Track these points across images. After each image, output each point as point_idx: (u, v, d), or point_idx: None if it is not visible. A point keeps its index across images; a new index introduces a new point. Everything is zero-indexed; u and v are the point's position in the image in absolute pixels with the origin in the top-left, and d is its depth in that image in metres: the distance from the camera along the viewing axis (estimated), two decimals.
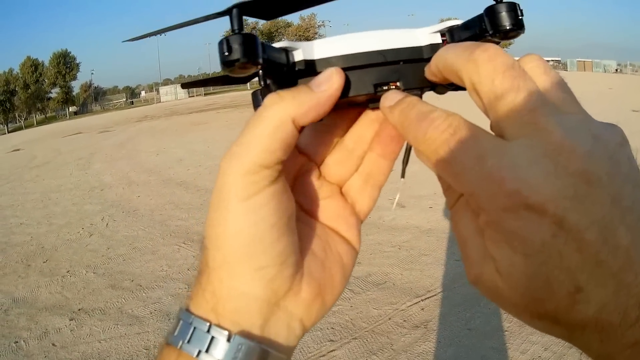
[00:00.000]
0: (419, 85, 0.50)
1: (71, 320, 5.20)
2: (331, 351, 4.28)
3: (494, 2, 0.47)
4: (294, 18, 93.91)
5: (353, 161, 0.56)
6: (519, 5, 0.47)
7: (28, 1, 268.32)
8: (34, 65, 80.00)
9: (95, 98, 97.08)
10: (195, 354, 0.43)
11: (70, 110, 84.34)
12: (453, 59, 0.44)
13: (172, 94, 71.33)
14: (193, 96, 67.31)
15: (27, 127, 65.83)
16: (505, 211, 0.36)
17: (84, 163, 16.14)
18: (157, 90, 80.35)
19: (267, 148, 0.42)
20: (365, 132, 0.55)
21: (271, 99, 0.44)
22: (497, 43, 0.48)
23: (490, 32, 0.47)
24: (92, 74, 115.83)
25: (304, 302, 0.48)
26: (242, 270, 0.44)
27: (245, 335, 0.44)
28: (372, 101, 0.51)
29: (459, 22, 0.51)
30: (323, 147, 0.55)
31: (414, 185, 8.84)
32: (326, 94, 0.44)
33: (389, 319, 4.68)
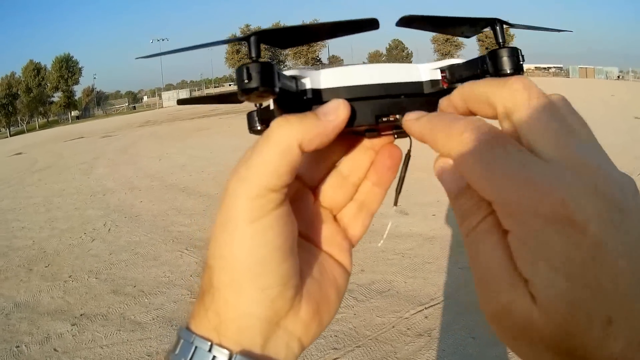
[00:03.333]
0: None
1: (73, 325, 5.20)
2: (335, 359, 4.29)
3: (498, 47, 0.50)
4: (297, 22, 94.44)
5: (348, 188, 0.58)
6: (520, 50, 0.49)
7: (30, 5, 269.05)
8: (37, 69, 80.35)
9: (97, 102, 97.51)
10: None
11: (72, 114, 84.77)
12: (485, 88, 0.44)
13: (174, 99, 71.66)
14: None
15: (29, 130, 66.13)
16: (547, 222, 0.35)
17: (87, 168, 16.17)
18: (160, 95, 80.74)
19: (275, 172, 0.43)
20: (362, 160, 0.57)
21: (279, 123, 0.45)
22: None
23: (492, 74, 0.49)
24: (95, 78, 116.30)
25: (303, 322, 0.49)
26: (248, 291, 0.45)
27: (246, 354, 0.45)
28: (370, 130, 0.54)
29: (460, 60, 0.54)
30: (318, 173, 0.57)
31: (417, 192, 8.83)
32: (333, 123, 0.46)
33: (393, 327, 4.67)
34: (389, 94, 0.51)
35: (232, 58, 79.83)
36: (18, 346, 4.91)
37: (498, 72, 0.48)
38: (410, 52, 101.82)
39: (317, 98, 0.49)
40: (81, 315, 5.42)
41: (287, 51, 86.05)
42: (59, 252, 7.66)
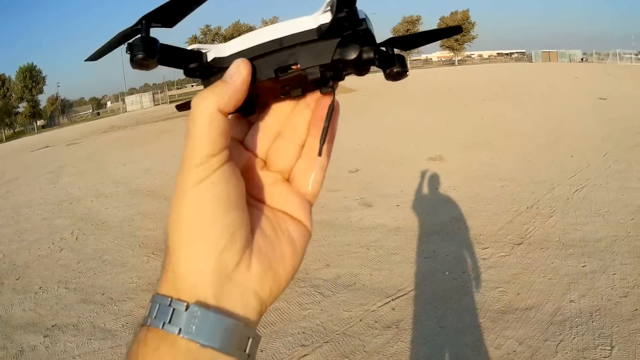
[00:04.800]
0: (315, 63, 0.54)
1: (45, 337, 5.18)
2: (303, 356, 4.31)
3: None
4: (256, 22, 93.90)
5: (293, 149, 0.63)
6: None
7: None
8: (1, 81, 79.22)
9: (62, 111, 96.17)
10: (161, 325, 0.49)
11: (38, 124, 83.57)
12: None
13: (137, 103, 71.03)
14: (159, 104, 67.20)
15: None
16: None
17: (53, 177, 16.04)
18: (123, 100, 79.83)
19: (209, 140, 0.50)
20: (299, 120, 0.62)
21: (196, 100, 0.51)
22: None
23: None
24: (59, 86, 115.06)
25: (256, 276, 0.53)
26: (196, 246, 0.50)
27: (201, 304, 0.50)
28: (294, 89, 0.59)
29: None
30: (263, 141, 0.62)
31: (380, 184, 8.88)
32: (238, 81, 0.52)
33: (360, 320, 4.71)
34: (284, 47, 0.55)
35: None
36: None
37: None
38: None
39: (222, 65, 0.56)
40: (53, 326, 5.40)
41: None
42: (28, 264, 7.61)
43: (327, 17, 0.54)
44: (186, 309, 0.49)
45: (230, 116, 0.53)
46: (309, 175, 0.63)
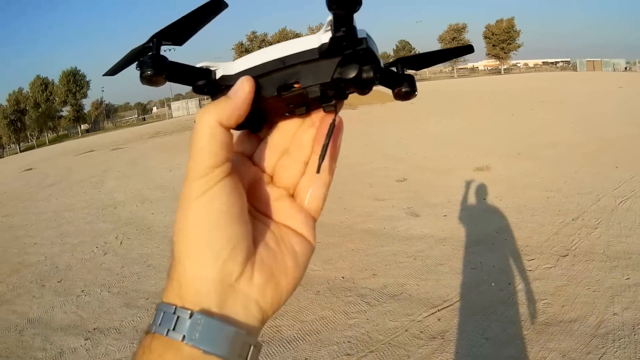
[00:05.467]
0: (316, 82, 0.56)
1: (86, 340, 5.21)
2: None
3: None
4: (302, 29, 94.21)
5: (298, 166, 0.64)
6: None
7: (36, 20, 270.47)
8: (44, 84, 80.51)
9: (106, 115, 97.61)
10: (165, 333, 0.51)
11: (82, 128, 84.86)
12: None
13: (183, 109, 71.86)
14: None
15: (39, 146, 66.34)
16: None
17: (97, 181, 16.25)
18: (169, 106, 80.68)
19: (211, 152, 0.52)
20: (304, 138, 0.63)
21: (199, 114, 0.54)
22: (344, 17, 0.52)
23: (331, 10, 0.50)
24: (103, 91, 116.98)
25: (258, 286, 0.55)
26: (200, 255, 0.52)
27: (204, 312, 0.51)
28: (298, 107, 0.60)
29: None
30: (270, 157, 0.64)
31: (427, 193, 8.82)
32: (241, 97, 0.54)
33: (406, 330, 4.67)
34: (287, 65, 0.57)
35: None
36: None
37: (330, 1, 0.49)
38: (417, 52, 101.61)
39: (229, 82, 0.58)
40: (94, 329, 5.43)
41: None
42: (71, 267, 7.69)
43: (328, 37, 0.56)
44: (190, 317, 0.51)
45: (239, 132, 0.59)
46: (314, 191, 0.64)
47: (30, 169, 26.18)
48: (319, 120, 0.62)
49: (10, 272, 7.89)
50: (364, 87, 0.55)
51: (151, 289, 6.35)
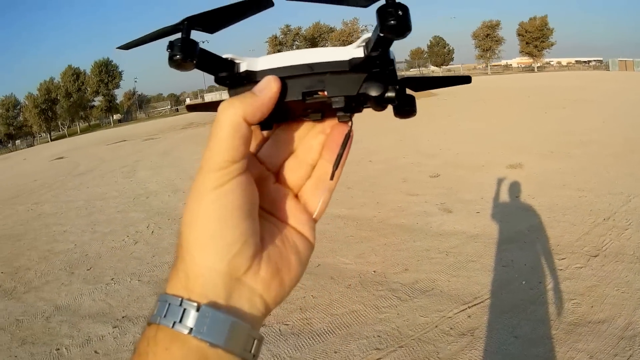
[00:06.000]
0: (341, 93, 0.57)
1: (114, 327, 5.26)
2: (377, 359, 4.26)
3: (383, 3, 0.51)
4: (337, 23, 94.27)
5: (304, 169, 0.65)
6: (407, 7, 0.50)
7: (67, 11, 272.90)
8: (76, 74, 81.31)
9: (139, 106, 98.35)
10: (171, 325, 0.51)
11: (114, 118, 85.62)
12: None
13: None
14: None
15: (70, 135, 67.10)
16: None
17: (129, 171, 16.40)
18: (202, 97, 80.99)
19: (232, 146, 0.52)
20: (313, 143, 0.65)
21: (224, 106, 0.53)
22: (390, 41, 0.53)
23: (380, 29, 0.50)
24: (136, 81, 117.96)
25: (263, 281, 0.56)
26: (211, 248, 0.52)
27: (212, 305, 0.52)
28: (314, 112, 0.61)
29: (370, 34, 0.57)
30: (277, 157, 0.65)
31: (460, 190, 8.79)
32: (267, 96, 0.54)
33: (436, 326, 4.67)
34: (315, 72, 0.58)
35: None
36: (58, 349, 5.00)
37: (384, 26, 0.50)
38: (451, 48, 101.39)
39: (253, 78, 0.58)
40: (123, 317, 5.48)
41: (329, 45, 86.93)
42: (100, 255, 7.78)
43: (359, 52, 0.57)
44: (197, 309, 0.51)
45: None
46: (317, 195, 0.66)
47: (61, 157, 26.51)
48: (329, 127, 0.64)
49: (39, 260, 8.00)
50: (382, 105, 0.58)
51: None
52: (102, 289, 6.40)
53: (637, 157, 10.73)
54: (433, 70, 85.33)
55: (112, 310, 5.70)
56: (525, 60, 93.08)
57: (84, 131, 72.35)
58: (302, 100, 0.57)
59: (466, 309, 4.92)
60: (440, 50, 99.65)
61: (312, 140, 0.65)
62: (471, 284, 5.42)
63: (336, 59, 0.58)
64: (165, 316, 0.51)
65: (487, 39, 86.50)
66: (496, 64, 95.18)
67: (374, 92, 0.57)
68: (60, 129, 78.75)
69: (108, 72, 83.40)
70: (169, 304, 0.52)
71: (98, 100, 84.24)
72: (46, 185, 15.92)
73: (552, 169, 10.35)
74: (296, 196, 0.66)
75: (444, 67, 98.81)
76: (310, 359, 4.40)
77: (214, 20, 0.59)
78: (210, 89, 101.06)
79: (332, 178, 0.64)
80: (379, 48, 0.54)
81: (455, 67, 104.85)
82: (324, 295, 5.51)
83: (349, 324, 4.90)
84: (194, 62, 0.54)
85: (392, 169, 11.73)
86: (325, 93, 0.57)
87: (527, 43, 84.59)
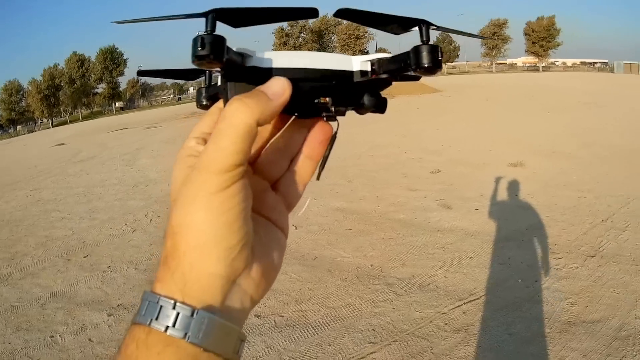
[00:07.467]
0: (345, 103, 0.60)
1: (109, 315, 5.27)
2: (371, 353, 4.28)
3: (421, 43, 0.55)
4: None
5: (283, 161, 0.65)
6: (440, 48, 0.55)
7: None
8: (80, 61, 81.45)
9: (142, 94, 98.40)
10: (164, 329, 0.49)
11: (116, 105, 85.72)
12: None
13: None
14: None
15: (72, 121, 67.25)
16: None
17: (130, 158, 16.43)
18: None
19: (241, 149, 0.49)
20: (297, 137, 0.64)
21: (237, 106, 0.51)
22: (418, 78, 0.60)
23: (413, 67, 0.54)
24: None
25: (254, 280, 0.56)
26: (213, 252, 0.50)
27: (208, 309, 0.50)
28: (302, 111, 0.61)
29: (388, 55, 0.59)
30: (256, 148, 0.65)
31: (460, 187, 8.80)
32: (280, 101, 0.53)
33: (431, 322, 4.68)
34: (322, 78, 0.58)
35: (280, 49, 79.69)
36: (52, 336, 5.00)
37: (419, 66, 0.54)
38: (457, 45, 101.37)
39: (261, 74, 0.56)
40: (118, 305, 5.49)
41: (334, 44, 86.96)
42: (98, 243, 7.78)
43: (367, 66, 0.60)
44: (192, 314, 0.49)
45: None
46: (294, 189, 0.65)
47: (62, 144, 26.53)
48: (312, 123, 0.64)
49: (36, 245, 8.01)
50: (366, 112, 0.63)
51: None
52: (99, 276, 6.40)
53: (638, 159, 10.74)
54: None
55: (108, 298, 5.71)
56: (531, 59, 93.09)
57: (86, 118, 72.47)
58: (307, 104, 0.58)
59: (461, 305, 4.92)
60: (446, 47, 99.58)
61: (294, 135, 0.64)
62: (467, 280, 5.43)
63: (343, 68, 0.59)
64: (157, 319, 0.49)
65: (494, 37, 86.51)
66: (501, 62, 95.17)
67: (372, 105, 0.61)
68: (62, 115, 78.83)
69: (113, 60, 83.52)
70: (161, 307, 0.50)
71: (102, 88, 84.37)
72: (46, 172, 15.93)
73: (553, 169, 10.38)
74: (272, 187, 0.65)
75: (449, 63, 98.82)
76: (305, 351, 4.40)
77: (245, 18, 0.57)
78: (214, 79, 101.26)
79: (318, 178, 0.66)
80: (396, 75, 0.58)
81: (460, 65, 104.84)
82: (320, 288, 5.51)
83: (344, 317, 4.91)
84: (223, 62, 0.51)
85: (393, 164, 11.75)
86: (328, 100, 0.58)
87: (533, 42, 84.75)
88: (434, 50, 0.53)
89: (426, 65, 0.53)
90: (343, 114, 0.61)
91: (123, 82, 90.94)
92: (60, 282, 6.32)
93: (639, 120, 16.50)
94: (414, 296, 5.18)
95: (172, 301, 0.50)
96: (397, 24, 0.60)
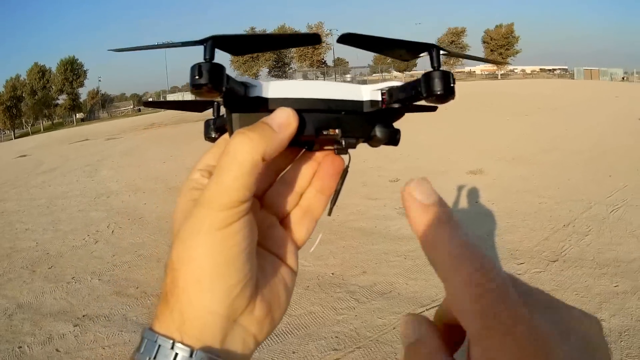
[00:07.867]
0: (355, 135, 0.57)
1: (75, 326, 5.22)
2: None
3: (431, 69, 0.53)
4: (302, 28, 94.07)
5: (293, 195, 0.62)
6: (452, 75, 0.53)
7: (34, 8, 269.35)
8: (42, 72, 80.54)
9: (102, 105, 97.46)
10: None
11: (77, 116, 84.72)
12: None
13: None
14: None
15: (34, 133, 66.16)
16: None
17: (91, 170, 16.23)
18: (165, 98, 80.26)
19: (246, 185, 0.47)
20: (306, 171, 0.62)
21: (241, 140, 0.49)
22: (435, 109, 0.60)
23: (425, 95, 0.52)
24: (100, 81, 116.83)
25: (257, 320, 0.54)
26: (212, 290, 0.49)
27: (207, 350, 0.49)
28: (311, 144, 0.60)
29: (398, 83, 0.57)
30: (264, 182, 0.61)
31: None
32: (287, 135, 0.51)
33: (393, 328, 4.68)
34: (330, 109, 0.56)
35: (237, 60, 79.39)
36: (20, 347, 4.94)
37: (430, 94, 0.52)
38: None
39: (264, 105, 0.54)
40: (83, 316, 5.44)
41: (292, 53, 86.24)
42: (62, 254, 7.69)
43: (377, 95, 0.58)
44: (191, 355, 0.48)
45: None
46: (304, 224, 0.63)
47: (25, 155, 26.10)
48: (322, 156, 0.62)
49: (1, 257, 7.88)
50: (379, 145, 0.61)
51: (141, 278, 6.35)
52: (63, 287, 6.34)
53: (599, 164, 10.89)
54: (395, 76, 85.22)
55: (73, 309, 5.66)
56: (489, 67, 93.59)
57: (47, 129, 71.45)
58: (315, 136, 0.55)
59: (424, 311, 4.95)
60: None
61: (303, 167, 0.62)
62: (429, 287, 5.45)
63: (352, 98, 0.57)
64: (155, 358, 0.48)
65: (452, 46, 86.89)
66: (459, 70, 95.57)
67: (384, 136, 0.59)
68: (24, 127, 77.74)
69: (73, 71, 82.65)
70: (159, 346, 0.49)
71: (62, 99, 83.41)
72: (9, 183, 15.69)
73: (513, 175, 10.48)
74: (280, 223, 0.62)
75: (407, 72, 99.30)
76: (269, 359, 4.41)
77: (245, 45, 0.57)
78: (173, 90, 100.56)
79: (329, 214, 0.64)
80: (406, 103, 0.56)
81: (417, 73, 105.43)
82: None
83: (307, 324, 4.91)
84: (223, 91, 0.49)
85: (351, 173, 11.28)
86: (337, 131, 0.55)
87: (491, 50, 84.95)
88: (445, 76, 0.52)
89: (438, 93, 0.52)
90: (354, 147, 0.59)
91: (83, 93, 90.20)
92: (26, 293, 6.25)
93: (600, 125, 16.70)
94: (376, 303, 5.19)
95: (171, 341, 0.49)
96: (405, 49, 0.58)
